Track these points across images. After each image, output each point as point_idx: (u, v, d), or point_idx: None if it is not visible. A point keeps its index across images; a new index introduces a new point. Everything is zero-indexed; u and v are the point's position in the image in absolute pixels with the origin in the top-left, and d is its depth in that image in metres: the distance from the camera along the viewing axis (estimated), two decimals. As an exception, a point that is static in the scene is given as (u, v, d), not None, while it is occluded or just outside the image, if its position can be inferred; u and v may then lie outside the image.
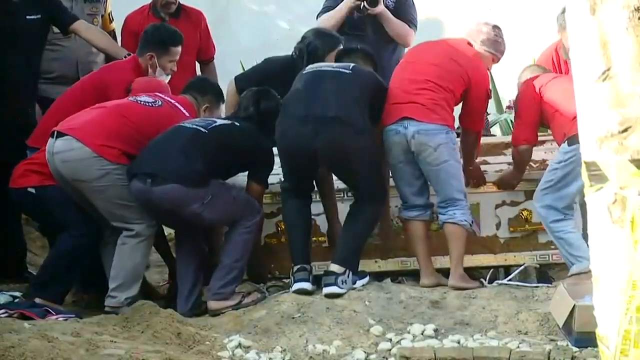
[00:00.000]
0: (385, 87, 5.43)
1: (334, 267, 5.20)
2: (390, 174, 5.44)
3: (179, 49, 5.95)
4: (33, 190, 5.57)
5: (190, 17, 6.54)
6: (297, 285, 5.24)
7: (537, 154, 5.68)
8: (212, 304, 5.25)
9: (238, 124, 5.42)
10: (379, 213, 5.39)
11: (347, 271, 5.22)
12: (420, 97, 5.29)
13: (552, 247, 5.54)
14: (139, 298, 5.28)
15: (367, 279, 5.39)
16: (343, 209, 5.51)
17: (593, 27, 2.76)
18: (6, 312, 5.17)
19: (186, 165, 5.18)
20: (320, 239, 5.64)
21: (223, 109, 5.82)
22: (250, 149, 5.34)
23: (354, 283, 5.27)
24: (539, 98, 5.45)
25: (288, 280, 5.51)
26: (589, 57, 2.78)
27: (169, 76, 5.92)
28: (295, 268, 5.28)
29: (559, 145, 5.37)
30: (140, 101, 5.46)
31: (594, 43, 2.76)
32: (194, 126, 5.34)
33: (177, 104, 5.54)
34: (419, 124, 5.23)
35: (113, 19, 6.74)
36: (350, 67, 5.36)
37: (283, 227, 5.60)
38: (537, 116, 5.48)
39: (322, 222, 5.61)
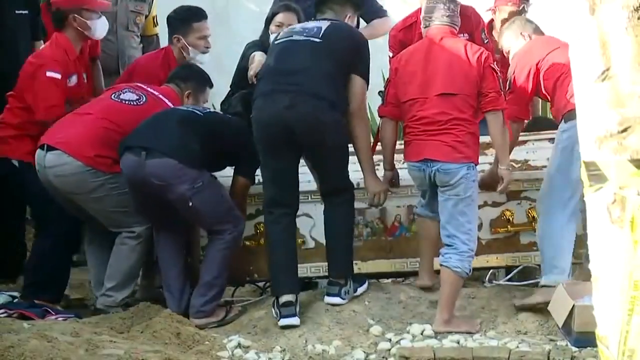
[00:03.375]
0: (365, 42, 5.18)
1: (336, 279, 5.11)
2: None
3: (204, 23, 6.00)
4: (16, 163, 5.55)
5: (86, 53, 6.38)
6: (284, 322, 4.97)
7: (520, 154, 5.60)
8: (196, 322, 5.13)
9: (229, 116, 5.44)
10: (353, 204, 5.22)
11: (349, 280, 5.13)
12: (445, 136, 5.03)
13: (535, 248, 5.43)
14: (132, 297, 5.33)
15: (366, 285, 5.27)
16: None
17: (592, 27, 2.76)
18: (5, 312, 5.17)
19: (182, 141, 5.12)
20: (301, 240, 5.49)
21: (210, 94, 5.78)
22: (239, 141, 5.27)
23: (355, 291, 5.18)
24: (537, 73, 5.27)
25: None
26: (589, 57, 2.78)
27: (205, 54, 5.97)
28: (281, 301, 5.00)
29: (558, 122, 5.23)
30: (125, 100, 5.43)
31: (594, 43, 2.76)
32: (189, 108, 5.38)
33: (160, 95, 5.52)
34: (441, 163, 5.02)
35: (157, 24, 6.77)
36: (321, 34, 5.02)
37: (262, 229, 5.45)
38: (532, 92, 5.32)
39: (300, 223, 5.44)
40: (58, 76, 5.51)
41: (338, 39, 5.10)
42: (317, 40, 5.01)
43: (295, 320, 4.98)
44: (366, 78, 5.12)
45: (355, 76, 5.08)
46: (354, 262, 5.45)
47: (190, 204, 5.06)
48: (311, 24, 5.19)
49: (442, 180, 5.04)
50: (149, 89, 5.56)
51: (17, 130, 5.58)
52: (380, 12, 6.45)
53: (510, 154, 5.29)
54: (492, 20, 6.31)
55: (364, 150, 5.19)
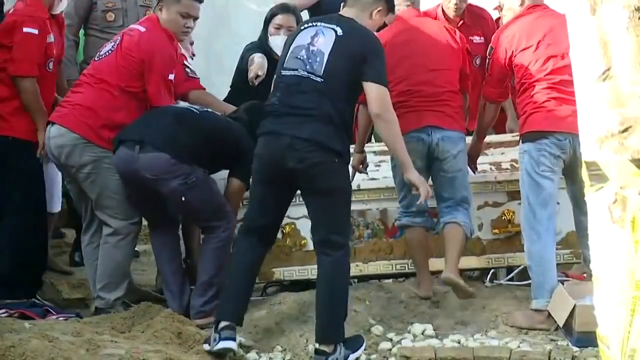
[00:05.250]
0: (376, 46, 4.83)
1: (323, 347, 4.64)
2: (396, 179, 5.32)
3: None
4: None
5: (58, 19, 6.04)
6: (222, 344, 4.63)
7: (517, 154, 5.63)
8: (197, 322, 5.09)
9: (230, 120, 5.42)
10: (348, 260, 4.78)
11: (338, 347, 4.65)
12: (444, 107, 5.19)
13: None
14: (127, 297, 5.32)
15: (360, 350, 4.78)
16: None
17: (593, 27, 2.76)
18: (6, 312, 5.17)
19: (177, 136, 5.10)
20: (302, 242, 5.52)
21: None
22: (240, 147, 5.24)
23: (347, 358, 4.69)
24: (509, 62, 5.21)
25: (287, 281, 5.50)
26: (589, 57, 2.79)
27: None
28: (223, 324, 4.68)
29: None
30: (102, 55, 5.38)
31: (594, 43, 2.76)
32: (187, 106, 5.36)
33: (136, 26, 5.43)
34: (443, 130, 5.13)
35: None
36: (323, 68, 4.71)
37: None
38: (509, 76, 5.27)
39: (301, 225, 5.48)
40: (35, 32, 5.47)
41: (340, 68, 4.75)
42: (319, 80, 4.71)
43: (233, 344, 4.68)
44: (380, 80, 4.79)
45: (368, 83, 4.77)
46: (356, 264, 5.45)
47: (183, 198, 5.06)
48: (318, 43, 4.79)
49: (445, 149, 5.13)
50: (126, 29, 5.53)
51: (13, 103, 5.51)
52: None
53: (485, 134, 5.47)
54: (498, 19, 6.31)
55: (396, 150, 4.87)
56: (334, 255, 4.67)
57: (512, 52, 5.17)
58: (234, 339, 4.67)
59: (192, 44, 6.30)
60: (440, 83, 5.22)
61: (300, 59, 4.79)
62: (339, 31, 4.80)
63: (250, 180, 4.97)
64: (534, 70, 5.10)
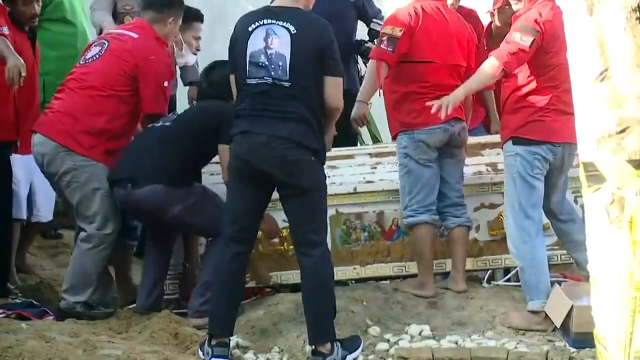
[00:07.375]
0: (331, 37, 4.73)
1: (320, 347, 4.66)
2: (404, 177, 5.37)
3: (201, 25, 6.08)
4: None
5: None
6: None
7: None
8: (194, 322, 5.12)
9: (202, 105, 5.44)
10: (329, 258, 4.75)
11: (335, 347, 4.66)
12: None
13: None
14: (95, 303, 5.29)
15: (359, 351, 4.80)
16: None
17: (590, 27, 2.76)
18: (4, 313, 5.16)
19: (163, 164, 5.11)
20: (287, 246, 5.49)
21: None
22: (210, 119, 5.21)
23: (344, 358, 4.70)
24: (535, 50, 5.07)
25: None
26: (587, 58, 2.79)
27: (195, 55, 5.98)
28: (215, 341, 4.65)
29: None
30: (89, 59, 5.37)
31: (592, 43, 2.76)
32: (161, 123, 5.31)
33: (125, 32, 5.43)
34: (462, 122, 5.42)
35: None
36: (288, 71, 4.62)
37: (260, 235, 5.38)
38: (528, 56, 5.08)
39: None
40: None
41: (305, 68, 4.66)
42: (287, 84, 4.62)
43: None
44: (339, 73, 4.77)
45: (329, 77, 4.70)
46: (353, 267, 5.48)
47: (186, 221, 5.15)
48: (274, 46, 4.66)
49: (463, 139, 5.43)
50: (113, 30, 5.53)
51: None
52: (378, 15, 6.55)
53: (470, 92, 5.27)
54: (491, 24, 6.32)
55: (332, 122, 4.85)
56: (314, 255, 4.66)
57: (541, 44, 4.96)
58: (226, 357, 4.65)
59: (198, 38, 6.31)
60: (456, 79, 5.39)
61: (262, 66, 4.66)
62: (292, 28, 4.67)
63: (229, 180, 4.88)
64: (546, 76, 4.99)
